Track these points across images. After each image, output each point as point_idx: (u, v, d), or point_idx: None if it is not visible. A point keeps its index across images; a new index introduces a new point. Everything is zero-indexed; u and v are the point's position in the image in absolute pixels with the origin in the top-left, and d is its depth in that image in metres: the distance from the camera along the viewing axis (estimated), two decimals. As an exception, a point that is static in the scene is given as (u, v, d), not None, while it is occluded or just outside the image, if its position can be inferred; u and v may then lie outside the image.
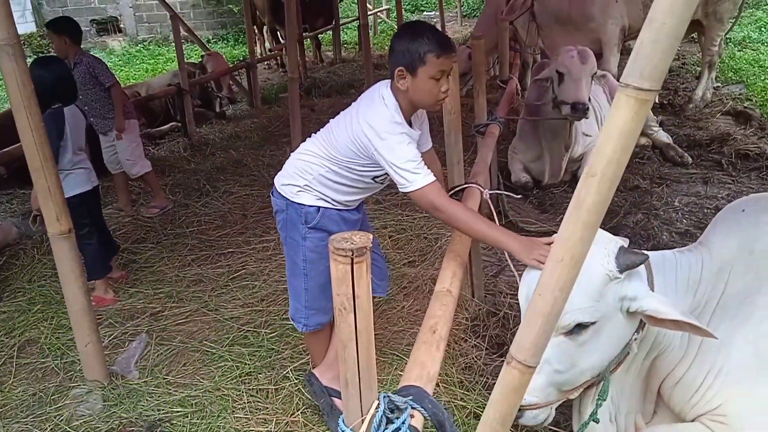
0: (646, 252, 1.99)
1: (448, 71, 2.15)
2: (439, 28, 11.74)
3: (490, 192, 3.00)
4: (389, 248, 3.97)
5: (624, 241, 1.96)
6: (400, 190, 2.14)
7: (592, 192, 1.17)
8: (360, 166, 2.28)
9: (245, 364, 2.95)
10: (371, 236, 1.33)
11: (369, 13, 12.67)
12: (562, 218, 1.28)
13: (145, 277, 3.92)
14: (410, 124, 2.26)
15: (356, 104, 2.29)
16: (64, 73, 3.56)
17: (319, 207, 2.36)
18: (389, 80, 2.24)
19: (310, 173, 2.33)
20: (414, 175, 2.10)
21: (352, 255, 1.30)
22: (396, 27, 10.39)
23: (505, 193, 3.40)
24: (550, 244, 1.95)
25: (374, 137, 2.13)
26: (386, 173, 2.21)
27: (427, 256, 3.83)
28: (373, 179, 2.34)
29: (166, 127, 7.15)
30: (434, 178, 2.14)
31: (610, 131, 1.15)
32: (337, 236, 1.33)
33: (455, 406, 2.51)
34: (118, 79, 4.68)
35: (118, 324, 3.41)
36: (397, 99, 2.19)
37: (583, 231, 1.20)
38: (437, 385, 2.60)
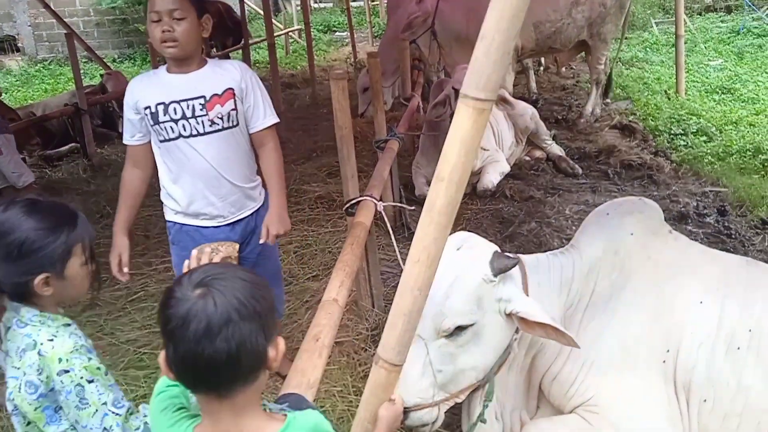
0: (518, 255, 2.11)
1: (166, 12, 2.11)
2: (350, 48, 11.94)
3: (385, 204, 3.09)
4: (294, 263, 3.98)
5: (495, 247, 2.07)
6: None
7: (441, 195, 1.25)
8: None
9: (140, 387, 2.87)
10: (237, 245, 1.35)
11: (279, 33, 12.65)
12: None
13: (36, 303, 3.74)
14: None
15: None
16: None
17: (175, 222, 2.41)
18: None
19: None
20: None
21: (218, 264, 1.32)
22: (306, 47, 10.43)
23: (400, 204, 3.49)
24: None
25: None
26: (164, 137, 2.33)
27: (331, 270, 3.84)
28: (160, 143, 2.35)
29: (64, 148, 6.84)
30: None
31: (454, 139, 1.24)
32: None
33: (351, 414, 2.54)
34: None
35: (4, 354, 3.23)
36: None
37: (435, 232, 1.27)
38: (333, 395, 2.63)
